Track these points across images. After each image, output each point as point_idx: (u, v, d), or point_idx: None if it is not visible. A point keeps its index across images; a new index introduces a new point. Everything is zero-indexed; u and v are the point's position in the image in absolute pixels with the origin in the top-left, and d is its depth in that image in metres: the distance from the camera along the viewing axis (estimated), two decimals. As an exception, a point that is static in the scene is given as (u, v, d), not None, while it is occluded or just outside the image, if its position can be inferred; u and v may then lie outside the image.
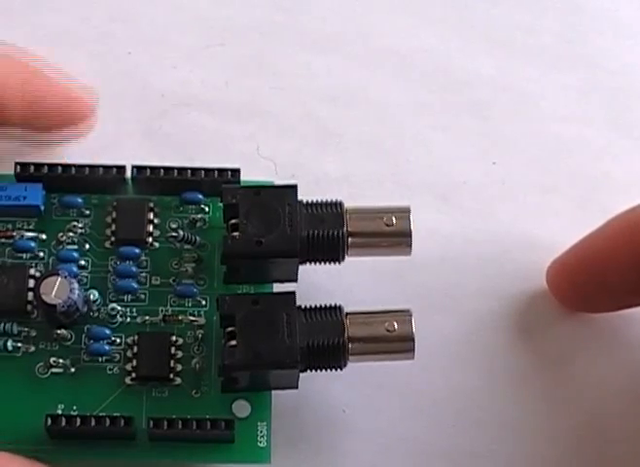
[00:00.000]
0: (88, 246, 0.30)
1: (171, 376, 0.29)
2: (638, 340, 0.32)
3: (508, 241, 0.33)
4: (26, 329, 0.29)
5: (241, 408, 0.29)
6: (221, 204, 0.29)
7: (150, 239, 0.30)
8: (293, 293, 0.29)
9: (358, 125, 0.34)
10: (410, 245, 0.29)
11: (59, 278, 0.28)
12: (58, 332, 0.29)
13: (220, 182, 0.30)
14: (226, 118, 0.34)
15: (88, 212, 0.31)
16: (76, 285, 0.28)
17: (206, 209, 0.31)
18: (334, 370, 0.29)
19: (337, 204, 0.29)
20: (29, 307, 0.29)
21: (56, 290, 0.28)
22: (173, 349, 0.29)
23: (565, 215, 0.33)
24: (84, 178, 0.30)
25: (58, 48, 0.33)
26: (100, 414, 0.28)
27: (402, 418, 0.31)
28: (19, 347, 0.29)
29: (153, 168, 0.30)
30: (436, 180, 0.34)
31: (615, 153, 0.34)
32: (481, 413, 0.31)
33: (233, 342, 0.28)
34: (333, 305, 0.29)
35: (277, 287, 0.30)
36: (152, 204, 0.31)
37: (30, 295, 0.29)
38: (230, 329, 0.28)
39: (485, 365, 0.32)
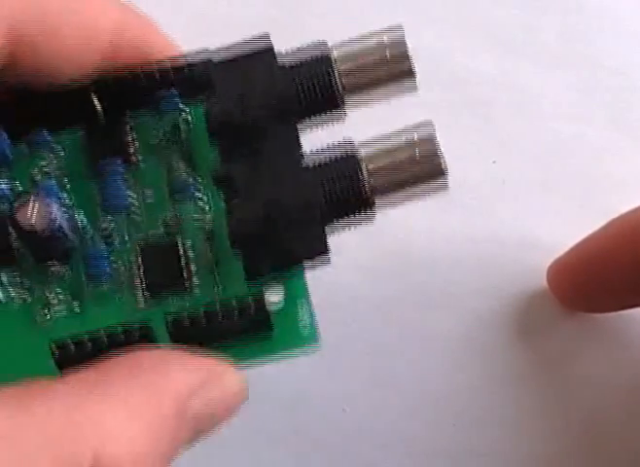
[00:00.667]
0: (67, 185, 0.27)
1: (187, 283, 0.26)
2: (638, 340, 0.32)
3: (508, 241, 0.33)
4: (17, 275, 0.26)
5: (274, 292, 0.25)
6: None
7: (134, 158, 0.27)
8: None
9: (358, 124, 0.33)
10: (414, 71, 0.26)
11: (34, 201, 0.25)
12: (52, 269, 0.26)
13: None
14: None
15: (60, 151, 0.28)
16: (55, 204, 0.25)
17: (187, 111, 0.28)
18: (362, 213, 0.25)
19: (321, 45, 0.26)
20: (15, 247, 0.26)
21: (35, 214, 0.25)
22: (182, 252, 0.26)
23: (565, 214, 0.33)
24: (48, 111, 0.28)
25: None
26: (112, 330, 0.24)
27: (402, 418, 0.31)
28: (13, 297, 0.26)
29: (117, 77, 0.27)
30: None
31: (616, 152, 0.34)
32: (481, 413, 0.31)
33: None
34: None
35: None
36: (128, 127, 0.28)
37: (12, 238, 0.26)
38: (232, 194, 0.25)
39: (485, 364, 0.32)
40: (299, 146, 0.25)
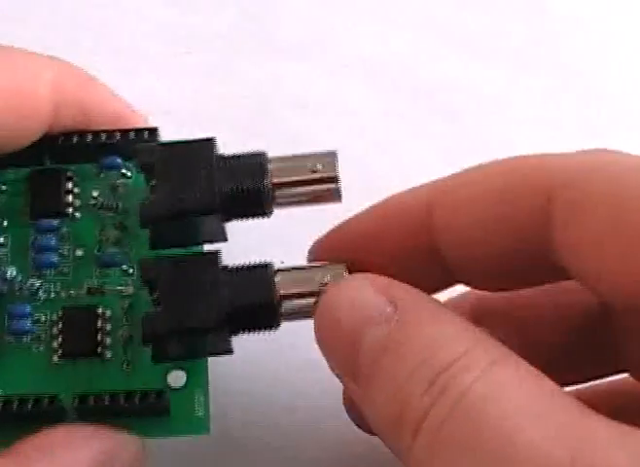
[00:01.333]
0: (5, 223, 0.29)
1: (100, 350, 0.28)
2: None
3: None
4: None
5: (176, 378, 0.28)
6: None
7: (70, 210, 0.29)
8: (217, 252, 0.27)
9: (326, 132, 0.33)
10: (339, 192, 0.27)
11: None
12: None
13: (137, 143, 0.28)
14: (193, 126, 0.31)
15: (4, 187, 0.29)
16: None
17: (128, 174, 0.29)
18: (266, 330, 0.27)
19: (259, 155, 0.27)
20: None
21: None
22: (101, 322, 0.28)
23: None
24: None
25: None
26: (23, 395, 0.26)
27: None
28: None
29: (67, 135, 0.29)
30: (404, 185, 0.32)
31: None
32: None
33: (157, 309, 0.26)
34: (261, 262, 0.27)
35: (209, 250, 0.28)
36: (70, 173, 0.29)
37: None
38: (155, 295, 0.26)
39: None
40: (218, 263, 0.27)
